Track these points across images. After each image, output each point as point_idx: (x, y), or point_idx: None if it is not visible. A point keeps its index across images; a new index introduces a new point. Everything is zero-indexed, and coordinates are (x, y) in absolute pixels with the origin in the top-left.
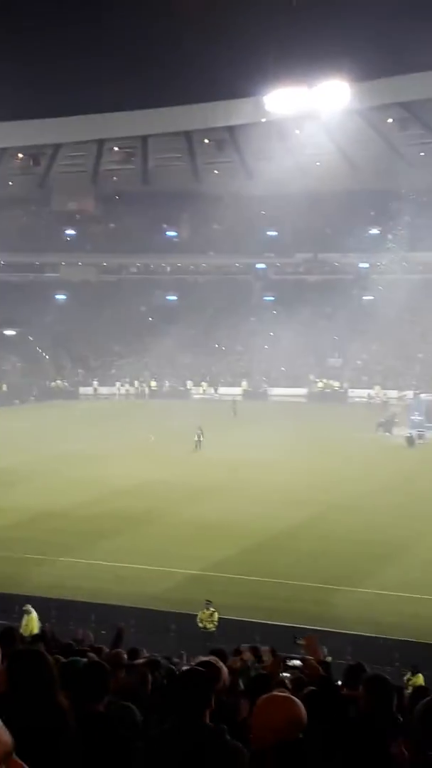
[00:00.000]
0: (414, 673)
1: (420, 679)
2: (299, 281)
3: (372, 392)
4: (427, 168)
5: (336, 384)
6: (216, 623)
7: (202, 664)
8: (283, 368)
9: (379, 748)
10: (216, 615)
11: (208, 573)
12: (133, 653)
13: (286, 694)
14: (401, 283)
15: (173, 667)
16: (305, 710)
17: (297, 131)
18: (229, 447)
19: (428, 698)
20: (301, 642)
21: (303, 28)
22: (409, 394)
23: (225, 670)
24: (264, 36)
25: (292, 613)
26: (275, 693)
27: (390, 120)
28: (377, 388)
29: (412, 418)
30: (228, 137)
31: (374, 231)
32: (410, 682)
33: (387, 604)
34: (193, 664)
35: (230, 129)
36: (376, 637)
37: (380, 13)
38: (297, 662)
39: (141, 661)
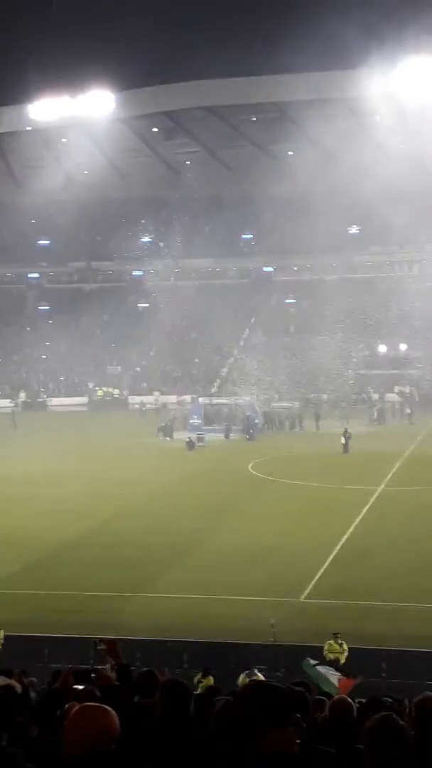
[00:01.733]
0: (205, 675)
1: (210, 681)
2: (74, 290)
3: (145, 398)
4: (194, 176)
5: (116, 391)
6: (2, 641)
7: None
8: (62, 377)
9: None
10: (2, 633)
11: None
12: None
13: (100, 704)
14: (175, 289)
15: None
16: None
17: (64, 140)
18: (10, 460)
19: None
20: (102, 647)
21: (63, 37)
22: (187, 398)
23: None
24: (24, 43)
25: (80, 625)
26: (88, 703)
27: (155, 129)
28: (156, 393)
29: (191, 421)
30: None
31: (146, 239)
32: (201, 684)
33: (174, 607)
34: None
35: None
36: (164, 640)
37: (142, 22)
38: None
39: None
